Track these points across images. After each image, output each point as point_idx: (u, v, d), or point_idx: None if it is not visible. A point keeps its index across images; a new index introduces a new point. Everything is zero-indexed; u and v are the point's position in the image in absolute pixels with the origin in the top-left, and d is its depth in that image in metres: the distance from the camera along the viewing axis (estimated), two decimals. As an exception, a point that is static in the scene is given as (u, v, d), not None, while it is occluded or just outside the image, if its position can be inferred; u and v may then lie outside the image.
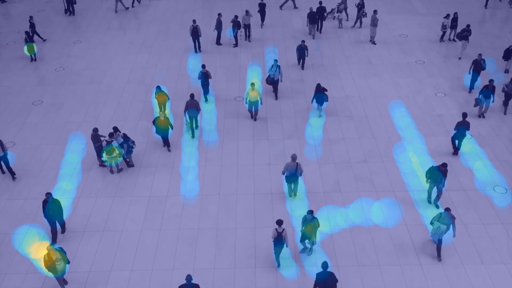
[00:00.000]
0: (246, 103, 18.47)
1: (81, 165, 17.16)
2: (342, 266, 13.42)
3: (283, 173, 15.04)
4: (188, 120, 18.15)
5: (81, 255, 13.88)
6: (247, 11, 24.42)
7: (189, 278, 11.52)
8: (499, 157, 17.20)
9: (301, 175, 15.09)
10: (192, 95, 17.91)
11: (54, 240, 14.08)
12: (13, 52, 24.72)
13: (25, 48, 23.08)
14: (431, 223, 13.18)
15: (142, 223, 14.86)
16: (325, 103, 19.74)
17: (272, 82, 19.92)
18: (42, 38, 25.51)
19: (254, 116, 18.93)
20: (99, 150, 16.65)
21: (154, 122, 16.98)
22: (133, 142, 16.62)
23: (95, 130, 16.29)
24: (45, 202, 13.64)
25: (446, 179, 15.09)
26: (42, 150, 17.94)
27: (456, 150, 17.11)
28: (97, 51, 24.79)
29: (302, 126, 18.89)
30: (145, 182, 16.39)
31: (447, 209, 12.93)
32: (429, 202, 15.27)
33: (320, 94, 18.64)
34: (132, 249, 14.02)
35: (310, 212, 12.94)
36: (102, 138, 16.73)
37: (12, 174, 16.39)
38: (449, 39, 25.09)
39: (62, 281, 12.61)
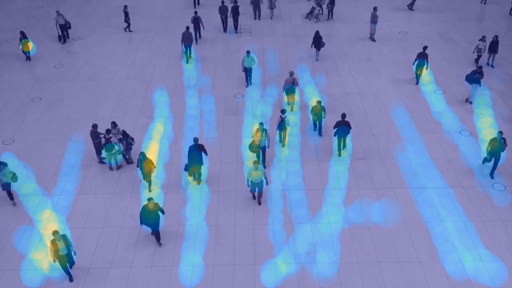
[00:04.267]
0: (248, 184, 14.91)
1: (81, 162, 17.16)
2: (341, 263, 13.44)
3: (284, 88, 18.84)
4: (184, 50, 22.80)
5: (81, 251, 13.89)
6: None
7: (195, 139, 15.36)
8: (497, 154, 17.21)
9: (297, 87, 19.48)
10: (187, 27, 22.35)
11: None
12: (12, 48, 24.67)
13: (21, 45, 22.89)
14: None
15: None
16: (322, 48, 23.66)
17: (259, 148, 16.18)
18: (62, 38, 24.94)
19: (258, 198, 15.23)
20: (98, 147, 16.64)
21: (141, 212, 13.33)
22: (132, 139, 16.61)
23: (94, 127, 16.27)
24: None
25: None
26: (41, 146, 17.93)
27: (416, 80, 21.19)
28: (96, 47, 24.75)
29: (302, 123, 18.89)
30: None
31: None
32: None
33: (318, 41, 22.42)
34: (132, 246, 14.03)
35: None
36: (101, 136, 16.71)
37: (11, 198, 15.36)
38: (487, 64, 22.38)
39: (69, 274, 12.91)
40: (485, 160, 16.21)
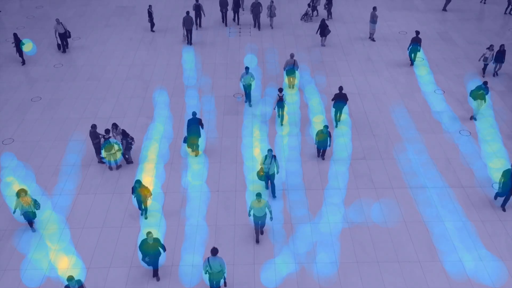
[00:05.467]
0: (250, 215, 13.71)
1: (80, 162, 17.15)
2: (341, 263, 13.45)
3: (284, 68, 20.18)
4: (185, 33, 24.32)
5: (80, 251, 13.89)
6: None
7: (194, 113, 16.23)
8: (497, 154, 17.23)
9: (297, 69, 20.21)
10: (187, 12, 23.51)
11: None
12: (12, 48, 24.64)
13: (22, 47, 22.76)
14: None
15: (141, 219, 14.87)
16: (328, 34, 24.48)
17: (266, 177, 15.31)
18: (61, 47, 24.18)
19: (260, 230, 14.10)
20: (97, 147, 16.63)
21: (139, 246, 12.43)
22: (132, 138, 16.61)
23: (94, 127, 16.27)
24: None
25: None
26: (41, 146, 17.92)
27: (411, 62, 22.45)
28: (96, 47, 24.74)
29: (302, 123, 18.89)
30: (144, 177, 16.38)
31: None
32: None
33: (324, 28, 23.88)
34: (131, 246, 14.02)
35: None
36: (100, 136, 16.69)
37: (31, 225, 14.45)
38: (494, 75, 21.59)
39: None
40: (498, 195, 14.96)
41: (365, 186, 15.99)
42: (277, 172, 15.18)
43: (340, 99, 17.98)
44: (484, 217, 14.78)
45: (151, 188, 15.96)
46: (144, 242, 12.27)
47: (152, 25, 25.81)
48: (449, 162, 16.90)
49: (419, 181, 16.14)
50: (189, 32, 24.37)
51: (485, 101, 18.28)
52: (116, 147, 16.18)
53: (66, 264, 13.48)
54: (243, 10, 28.21)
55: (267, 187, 15.73)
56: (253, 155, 17.34)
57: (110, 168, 16.67)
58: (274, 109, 18.62)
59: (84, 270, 13.35)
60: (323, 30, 23.91)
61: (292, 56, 20.02)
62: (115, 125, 16.52)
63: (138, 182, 14.02)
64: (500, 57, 20.90)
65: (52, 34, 26.01)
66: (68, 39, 25.00)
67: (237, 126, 18.81)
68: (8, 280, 13.09)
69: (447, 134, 18.24)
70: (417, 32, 21.93)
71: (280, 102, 18.07)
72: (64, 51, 24.10)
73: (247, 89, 19.40)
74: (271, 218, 13.37)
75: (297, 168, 16.70)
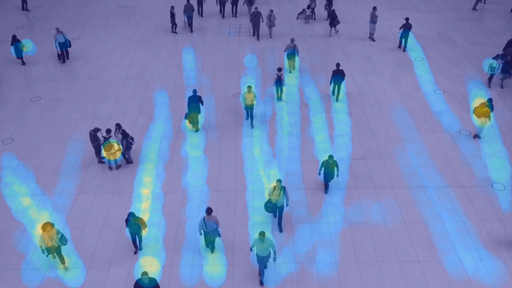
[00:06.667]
0: (252, 250, 12.87)
1: (80, 162, 17.15)
2: (341, 263, 13.45)
3: (285, 51, 21.32)
4: (186, 20, 25.52)
5: (80, 251, 13.88)
6: None
7: (194, 90, 17.32)
8: (497, 154, 17.24)
9: (298, 54, 21.29)
10: (188, 0, 25.15)
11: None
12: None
13: (22, 48, 22.70)
14: None
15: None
16: (338, 24, 25.67)
17: (273, 209, 14.05)
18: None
19: (260, 275, 12.80)
20: (97, 149, 16.61)
21: (134, 286, 11.59)
22: (132, 138, 16.61)
23: (96, 130, 16.23)
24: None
25: None
26: (40, 146, 17.91)
27: (403, 47, 23.73)
28: (95, 47, 24.73)
29: (302, 123, 18.89)
30: (144, 177, 16.38)
31: None
32: None
33: (333, 19, 24.77)
34: (131, 246, 14.02)
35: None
36: (99, 140, 16.59)
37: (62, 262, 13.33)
38: (501, 87, 20.76)
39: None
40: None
41: (365, 186, 15.99)
42: (287, 205, 13.99)
43: (337, 75, 19.38)
44: (484, 217, 14.78)
45: (150, 188, 15.97)
46: (139, 282, 11.41)
47: (175, 26, 25.61)
48: (449, 162, 16.90)
49: (419, 181, 16.14)
50: (189, 19, 25.40)
51: (489, 119, 17.21)
52: (116, 146, 16.17)
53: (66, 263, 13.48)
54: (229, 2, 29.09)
55: (274, 216, 14.64)
56: (253, 155, 17.34)
57: (110, 168, 16.67)
58: (273, 86, 19.24)
59: (84, 270, 13.35)
60: (333, 20, 24.80)
61: (292, 40, 21.00)
62: (118, 126, 16.49)
63: (132, 214, 12.93)
64: (507, 68, 20.03)
65: (53, 31, 25.98)
66: (68, 49, 23.96)
67: (237, 126, 18.81)
68: (8, 280, 13.08)
69: (447, 134, 18.24)
70: (407, 19, 23.06)
71: (279, 81, 19.17)
72: (63, 61, 23.20)
73: (250, 109, 18.17)
74: (274, 259, 12.42)
75: (297, 168, 16.70)
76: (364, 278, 13.03)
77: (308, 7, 26.61)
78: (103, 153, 16.15)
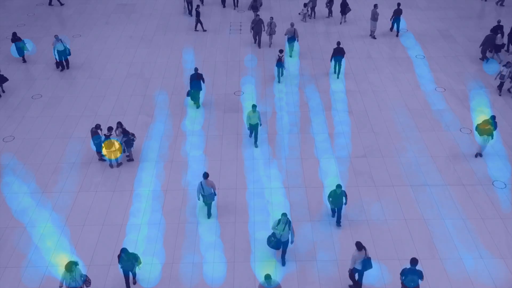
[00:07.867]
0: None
1: (81, 160, 17.16)
2: (341, 260, 13.46)
3: (285, 34, 22.67)
4: (185, 5, 27.01)
5: (81, 249, 13.90)
6: None
7: (196, 68, 18.71)
8: (498, 152, 17.22)
9: (297, 40, 22.73)
10: None
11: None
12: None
13: (22, 48, 22.66)
14: None
15: (142, 217, 14.88)
16: (349, 12, 26.20)
17: (277, 244, 13.16)
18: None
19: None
20: (98, 146, 16.63)
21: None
22: (133, 135, 16.61)
23: (97, 127, 16.27)
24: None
25: None
26: (41, 144, 17.93)
27: (396, 32, 24.91)
28: (96, 45, 24.73)
29: (302, 121, 18.89)
30: (145, 176, 16.40)
31: None
32: None
33: (344, 7, 25.78)
34: (132, 243, 14.04)
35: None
36: (101, 134, 16.67)
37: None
38: (509, 91, 20.30)
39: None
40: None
41: (366, 184, 15.99)
42: (291, 242, 13.01)
43: (338, 53, 20.60)
44: (484, 215, 14.78)
45: (151, 186, 15.98)
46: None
47: (199, 23, 25.65)
48: (449, 160, 16.89)
49: (419, 179, 16.14)
50: (189, 4, 26.98)
51: (492, 137, 16.42)
52: (116, 145, 16.18)
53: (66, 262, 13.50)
54: None
55: (278, 248, 13.26)
56: (253, 154, 17.34)
57: (111, 166, 16.68)
58: (275, 67, 20.28)
59: (85, 268, 13.37)
60: (344, 8, 25.74)
61: (292, 25, 22.27)
62: (120, 124, 16.48)
63: (125, 251, 12.11)
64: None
65: (53, 31, 25.98)
66: (68, 58, 22.67)
67: (238, 124, 18.81)
68: (8, 279, 13.11)
69: (448, 132, 18.22)
70: (398, 4, 24.40)
71: (280, 63, 20.30)
72: (62, 70, 22.27)
73: (254, 128, 17.19)
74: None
75: (297, 167, 16.70)
76: (365, 277, 13.03)
77: (305, 5, 26.48)
78: (104, 151, 16.15)
